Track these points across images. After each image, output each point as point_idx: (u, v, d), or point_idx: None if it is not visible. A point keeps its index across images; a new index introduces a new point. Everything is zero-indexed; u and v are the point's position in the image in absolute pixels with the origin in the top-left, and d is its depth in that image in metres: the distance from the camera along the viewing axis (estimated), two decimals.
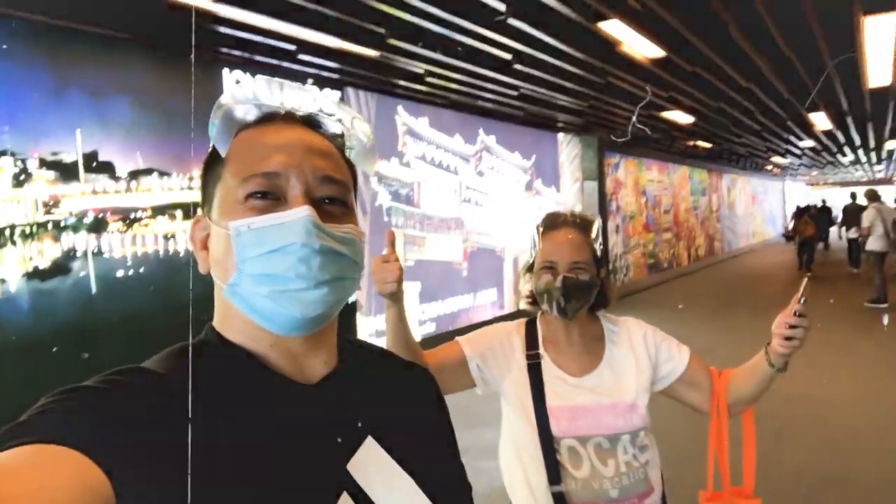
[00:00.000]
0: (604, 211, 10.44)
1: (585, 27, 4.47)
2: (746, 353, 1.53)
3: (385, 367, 0.82)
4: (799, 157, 16.70)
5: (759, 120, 9.20)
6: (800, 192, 32.62)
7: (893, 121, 10.15)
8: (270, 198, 0.65)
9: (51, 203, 3.80)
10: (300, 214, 0.63)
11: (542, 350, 1.52)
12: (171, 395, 0.58)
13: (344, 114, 0.74)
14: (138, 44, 4.21)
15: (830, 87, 7.05)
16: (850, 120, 9.67)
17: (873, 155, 16.80)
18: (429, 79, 5.73)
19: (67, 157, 3.87)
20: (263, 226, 0.64)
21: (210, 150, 0.70)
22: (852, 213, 12.45)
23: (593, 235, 1.53)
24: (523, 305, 1.64)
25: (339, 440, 0.68)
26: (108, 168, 4.07)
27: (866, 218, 9.20)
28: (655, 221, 13.70)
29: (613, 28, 4.53)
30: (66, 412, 0.53)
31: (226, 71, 4.78)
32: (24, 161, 3.65)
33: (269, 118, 0.70)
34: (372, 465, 0.68)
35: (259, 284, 0.64)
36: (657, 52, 5.19)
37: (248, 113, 0.69)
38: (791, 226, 17.48)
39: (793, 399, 4.66)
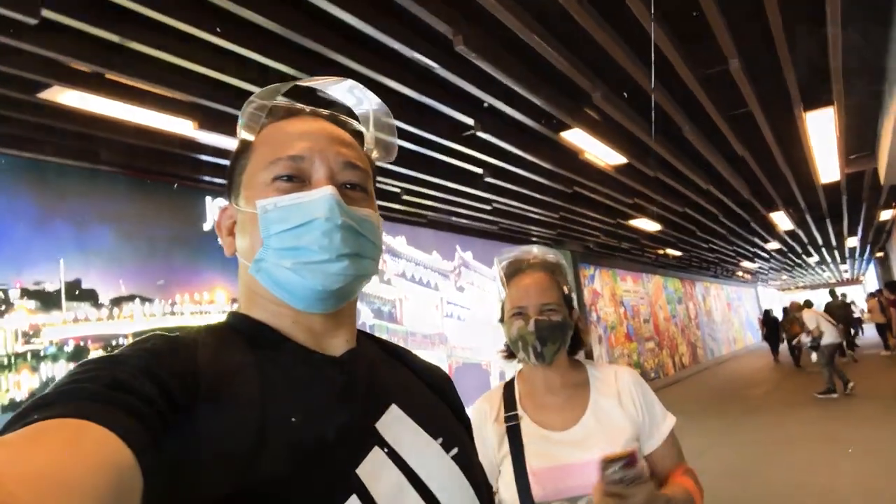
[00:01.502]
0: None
1: (549, 137, 4.74)
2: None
3: (402, 355, 0.84)
4: (767, 260, 17.20)
5: (723, 223, 9.56)
6: (772, 296, 33.25)
7: (849, 217, 10.63)
8: (296, 181, 0.70)
9: (31, 332, 3.76)
10: (324, 193, 0.68)
11: (519, 410, 1.42)
12: (203, 359, 0.60)
13: (361, 105, 0.80)
14: (121, 175, 4.36)
15: (786, 186, 7.43)
16: (809, 218, 10.10)
17: (837, 254, 17.38)
18: (405, 197, 5.95)
19: (50, 286, 3.88)
20: (289, 204, 0.68)
21: (238, 143, 0.75)
22: (836, 310, 12.91)
23: (560, 275, 1.48)
24: (500, 359, 1.56)
25: (365, 403, 0.69)
26: (90, 295, 4.07)
27: (810, 322, 10.10)
28: (637, 331, 13.76)
29: (576, 137, 4.81)
30: (95, 384, 0.51)
31: (208, 199, 4.93)
32: (5, 291, 3.65)
33: (295, 113, 0.77)
34: (399, 426, 0.69)
35: (283, 258, 0.67)
36: (619, 158, 5.48)
37: (275, 107, 0.75)
38: (765, 330, 17.72)
39: (802, 486, 4.50)
